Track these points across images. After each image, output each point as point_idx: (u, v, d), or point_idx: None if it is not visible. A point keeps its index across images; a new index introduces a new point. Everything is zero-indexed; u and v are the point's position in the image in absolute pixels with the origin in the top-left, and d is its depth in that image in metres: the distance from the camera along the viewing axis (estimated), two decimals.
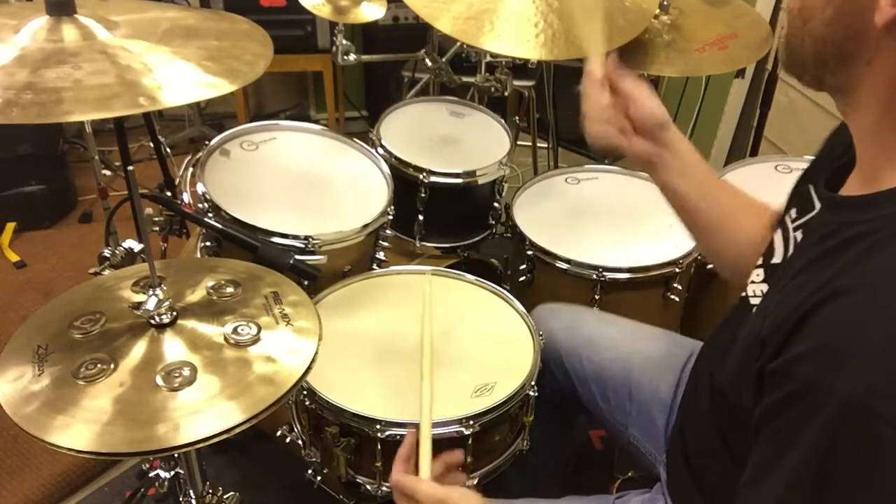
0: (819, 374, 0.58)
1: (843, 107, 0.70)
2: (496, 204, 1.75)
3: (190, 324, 0.94)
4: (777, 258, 0.79)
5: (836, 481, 0.58)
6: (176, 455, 1.21)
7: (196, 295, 0.99)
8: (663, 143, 0.97)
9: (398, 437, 1.08)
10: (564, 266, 1.48)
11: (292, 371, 0.88)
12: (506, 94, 1.92)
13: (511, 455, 1.22)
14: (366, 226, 1.40)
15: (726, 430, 0.81)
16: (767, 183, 1.70)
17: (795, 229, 0.77)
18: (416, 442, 0.99)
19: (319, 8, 1.69)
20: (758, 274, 0.83)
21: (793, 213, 0.80)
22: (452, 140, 1.77)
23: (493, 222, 1.78)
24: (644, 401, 1.15)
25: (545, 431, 1.30)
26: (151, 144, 1.93)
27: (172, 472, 1.32)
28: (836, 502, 0.58)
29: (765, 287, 0.80)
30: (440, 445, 1.09)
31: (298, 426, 1.22)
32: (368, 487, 1.15)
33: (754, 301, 0.81)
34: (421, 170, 1.60)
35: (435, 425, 1.06)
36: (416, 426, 1.02)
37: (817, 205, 0.76)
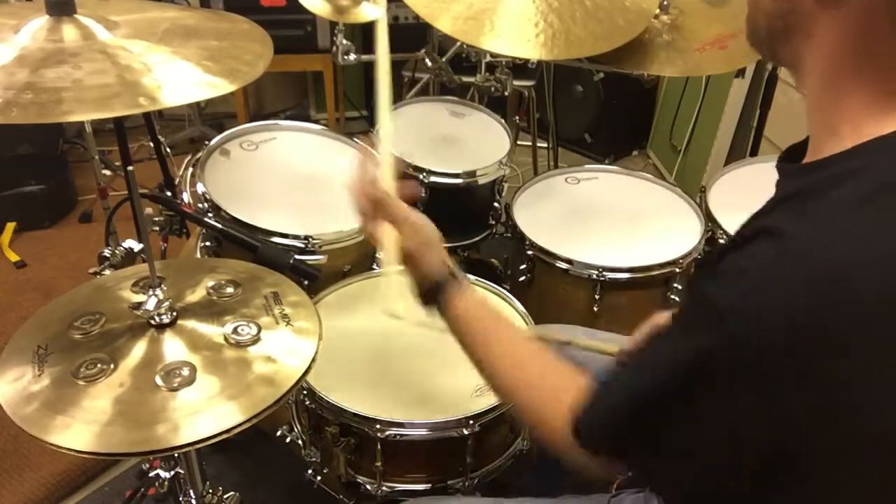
0: (717, 291, 0.60)
1: (797, 82, 0.72)
2: (496, 204, 1.75)
3: (190, 324, 0.94)
4: None
5: (691, 402, 0.60)
6: (176, 455, 1.21)
7: (196, 295, 1.00)
8: None
9: (398, 436, 1.08)
10: (564, 266, 1.48)
11: (292, 371, 0.88)
12: (506, 93, 1.92)
13: (511, 455, 1.22)
14: None
15: None
16: (767, 183, 1.69)
17: None
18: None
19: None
20: None
21: None
22: (452, 140, 1.77)
23: (493, 222, 1.78)
24: None
25: (547, 453, 1.31)
26: (151, 144, 1.93)
27: (172, 472, 1.32)
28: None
29: None
30: (441, 445, 1.09)
31: (298, 426, 1.22)
32: (368, 487, 1.15)
33: None
34: (421, 170, 1.60)
35: (435, 426, 1.07)
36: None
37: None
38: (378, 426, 1.08)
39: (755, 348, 0.56)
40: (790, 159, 0.74)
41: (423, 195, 1.00)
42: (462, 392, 1.14)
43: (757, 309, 0.56)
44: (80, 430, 0.79)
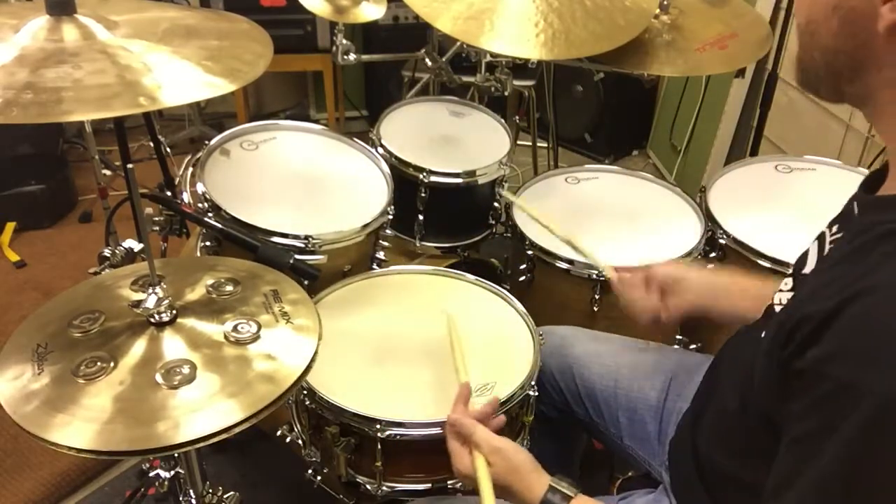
0: (853, 374, 0.57)
1: (868, 116, 0.69)
2: (496, 204, 1.75)
3: (189, 322, 0.94)
4: (808, 269, 0.78)
5: (875, 482, 0.57)
6: (176, 455, 1.21)
7: (195, 293, 0.99)
8: (689, 290, 1.11)
9: (398, 436, 1.08)
10: (565, 266, 1.48)
11: (292, 369, 0.88)
12: (506, 93, 1.92)
13: None
14: (366, 225, 1.40)
15: (750, 428, 0.80)
16: (767, 183, 1.70)
17: (832, 242, 0.76)
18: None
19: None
20: (786, 283, 0.82)
21: (834, 228, 0.78)
22: (452, 140, 1.77)
23: (493, 222, 1.78)
24: (635, 409, 1.16)
25: (548, 455, 1.31)
26: (151, 144, 1.93)
27: (172, 472, 1.32)
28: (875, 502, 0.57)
29: (791, 295, 0.79)
30: (441, 445, 1.09)
31: (298, 426, 1.22)
32: (368, 487, 1.15)
33: (779, 307, 0.80)
34: (421, 169, 1.60)
35: (435, 426, 1.06)
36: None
37: (856, 212, 0.75)
38: (378, 426, 1.08)
39: None
40: (868, 187, 0.72)
41: (505, 418, 1.06)
42: None
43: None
44: (81, 427, 0.78)
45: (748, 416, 0.80)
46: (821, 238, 0.79)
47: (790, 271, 0.84)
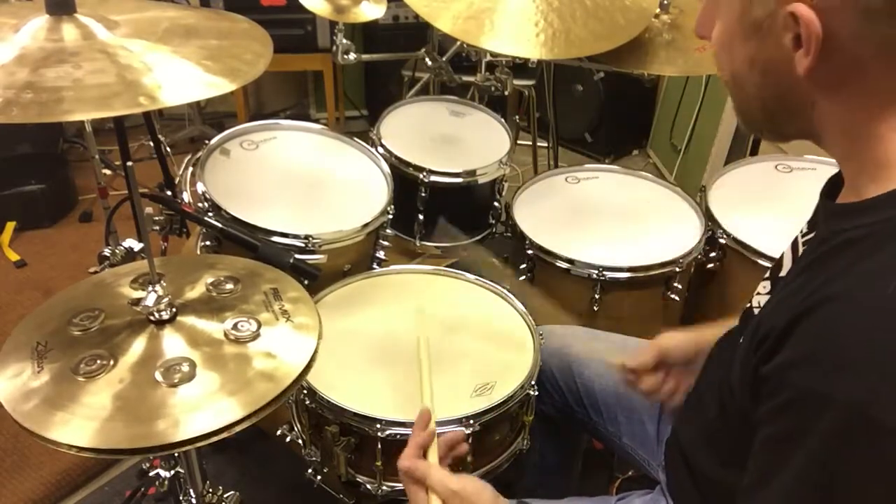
0: (814, 381, 0.58)
1: (819, 145, 0.71)
2: (496, 203, 1.75)
3: (189, 320, 0.94)
4: (784, 272, 0.79)
5: (839, 491, 0.57)
6: (176, 454, 1.21)
7: (195, 291, 0.99)
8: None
9: (398, 436, 1.08)
10: (565, 265, 1.48)
11: (292, 367, 0.88)
12: (506, 93, 1.92)
13: (511, 455, 1.22)
14: (366, 225, 1.40)
15: (732, 432, 0.81)
16: (767, 183, 1.70)
17: (804, 244, 0.77)
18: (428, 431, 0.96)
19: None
20: (764, 286, 0.83)
21: (804, 229, 0.79)
22: (452, 139, 1.77)
23: (494, 222, 1.79)
24: (633, 409, 1.17)
25: (549, 454, 1.30)
26: (151, 144, 1.94)
27: (172, 472, 1.32)
28: None
29: (767, 298, 0.81)
30: None
31: (298, 425, 1.22)
32: (368, 486, 1.15)
33: (757, 310, 0.81)
34: (421, 169, 1.60)
35: (436, 425, 1.06)
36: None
37: (821, 219, 0.76)
38: (378, 426, 1.08)
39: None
40: (829, 194, 0.73)
41: (468, 447, 1.01)
42: (462, 391, 1.14)
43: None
44: (81, 425, 0.78)
45: (728, 421, 0.80)
46: (794, 242, 0.81)
47: (767, 274, 0.85)
